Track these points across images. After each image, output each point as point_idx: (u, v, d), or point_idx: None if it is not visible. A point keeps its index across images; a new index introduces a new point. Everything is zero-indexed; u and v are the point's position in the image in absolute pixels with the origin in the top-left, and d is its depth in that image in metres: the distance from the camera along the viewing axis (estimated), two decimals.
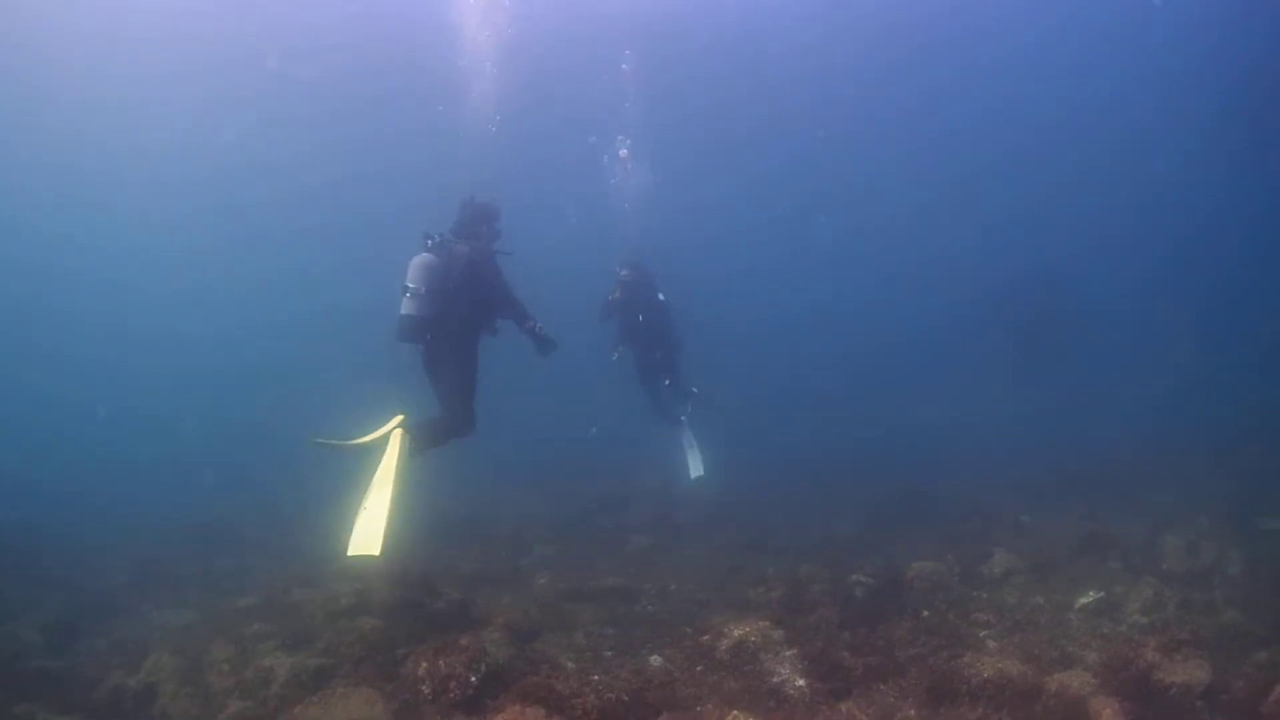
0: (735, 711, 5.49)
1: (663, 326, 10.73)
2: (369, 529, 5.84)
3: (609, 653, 6.67)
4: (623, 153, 18.26)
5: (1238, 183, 26.45)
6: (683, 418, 11.33)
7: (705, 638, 6.91)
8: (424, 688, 5.47)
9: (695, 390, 11.19)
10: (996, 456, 14.12)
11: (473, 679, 5.43)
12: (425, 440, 6.48)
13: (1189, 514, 9.21)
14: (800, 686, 5.79)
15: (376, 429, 6.27)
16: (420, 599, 6.82)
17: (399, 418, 6.33)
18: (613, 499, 13.04)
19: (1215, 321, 23.89)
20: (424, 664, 5.51)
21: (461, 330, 6.66)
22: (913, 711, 5.60)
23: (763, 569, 9.25)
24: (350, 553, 5.84)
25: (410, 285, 6.46)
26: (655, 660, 6.49)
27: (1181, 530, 8.50)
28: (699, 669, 6.37)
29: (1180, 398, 15.90)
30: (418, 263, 6.53)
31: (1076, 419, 15.82)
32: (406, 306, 6.49)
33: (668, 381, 11.07)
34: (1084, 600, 7.05)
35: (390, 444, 6.17)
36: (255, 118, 30.36)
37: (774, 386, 23.37)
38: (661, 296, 10.67)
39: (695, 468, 10.98)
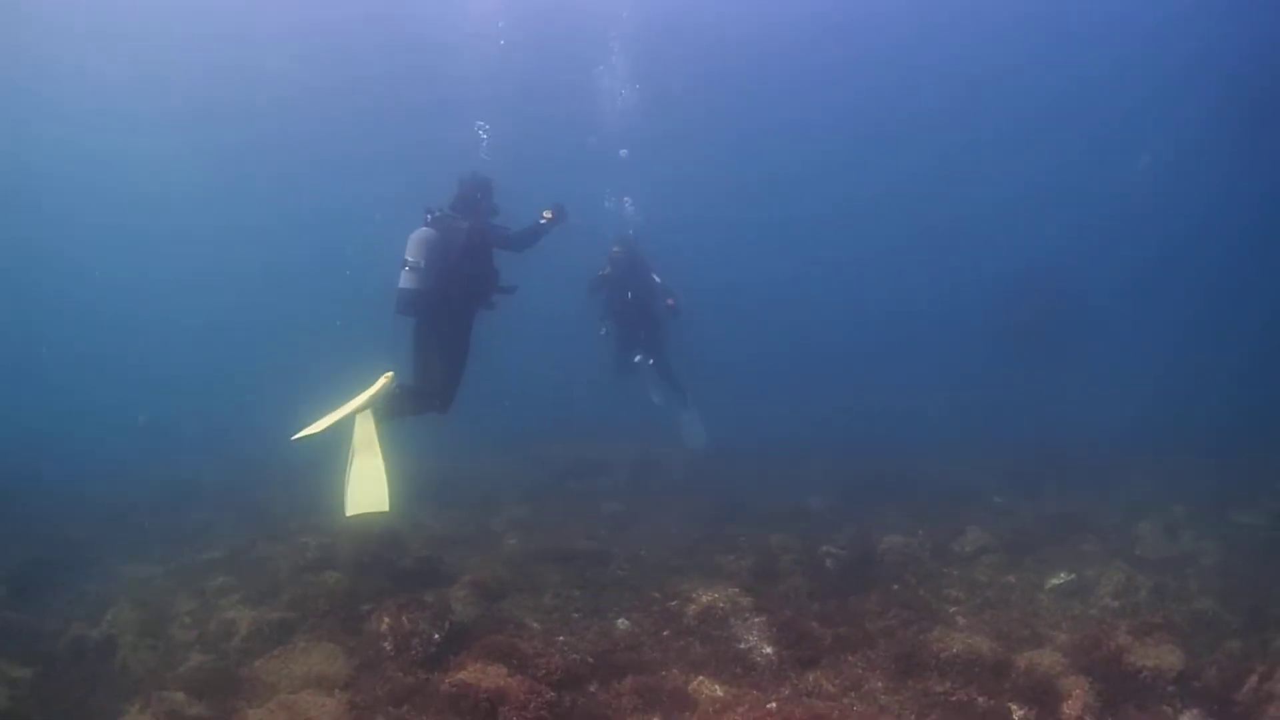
0: (701, 677, 5.41)
1: (650, 305, 10.74)
2: (370, 488, 5.86)
3: (576, 614, 6.57)
4: (623, 153, 18.22)
5: (1233, 178, 26.32)
6: (655, 399, 11.37)
7: (673, 603, 6.83)
8: (386, 644, 5.35)
9: (652, 361, 11.14)
10: (974, 438, 14.13)
11: (436, 636, 5.32)
12: (397, 408, 6.44)
13: (1164, 502, 9.21)
14: (768, 654, 5.72)
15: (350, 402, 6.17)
16: (388, 555, 6.68)
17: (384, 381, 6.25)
18: (588, 463, 12.94)
19: (1208, 315, 23.93)
20: (387, 620, 5.40)
21: (459, 306, 6.65)
22: (880, 683, 5.55)
23: (734, 537, 9.23)
24: (351, 513, 5.85)
25: (409, 259, 6.44)
26: (622, 623, 6.40)
27: (1156, 518, 8.50)
28: (666, 633, 6.29)
29: (1167, 388, 15.88)
30: (417, 237, 6.51)
31: (1059, 405, 15.80)
32: (405, 280, 6.46)
33: (651, 361, 11.05)
34: (1055, 581, 7.03)
35: (360, 420, 6.14)
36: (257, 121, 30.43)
37: (761, 360, 23.28)
38: (657, 279, 10.73)
39: (694, 438, 11.01)
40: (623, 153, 17.82)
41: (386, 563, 6.64)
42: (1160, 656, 5.42)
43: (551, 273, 9.64)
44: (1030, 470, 11.60)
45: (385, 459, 5.95)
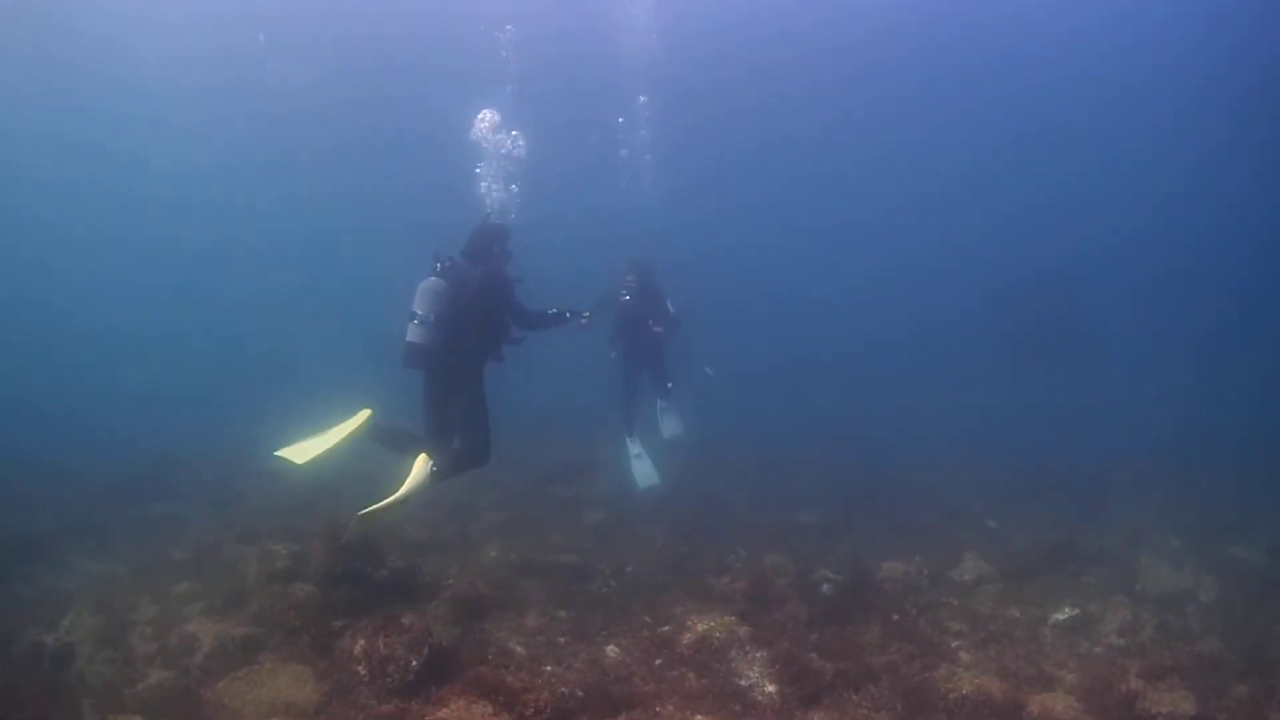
0: (699, 717, 5.10)
1: (662, 339, 10.51)
2: (309, 446, 5.87)
3: (562, 638, 6.22)
4: (623, 153, 17.87)
5: (1253, 188, 26.14)
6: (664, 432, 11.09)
7: (665, 628, 6.51)
8: (360, 668, 4.97)
9: (670, 385, 10.85)
10: (964, 455, 13.92)
11: (414, 663, 4.94)
12: (444, 474, 6.23)
13: (1161, 532, 9.05)
14: (769, 693, 5.41)
15: (345, 424, 6.11)
16: (362, 566, 6.27)
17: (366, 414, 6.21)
18: (568, 466, 12.55)
19: (1223, 331, 23.63)
20: (361, 642, 5.01)
21: (467, 360, 6.41)
22: None
23: (722, 553, 8.93)
24: (280, 452, 5.89)
25: (418, 312, 6.24)
26: (612, 650, 6.06)
27: (1152, 550, 8.33)
28: (658, 662, 5.96)
29: (1171, 410, 15.59)
30: (426, 288, 6.27)
31: (1058, 425, 15.52)
32: (413, 334, 6.26)
33: (669, 385, 10.86)
34: (1059, 616, 6.80)
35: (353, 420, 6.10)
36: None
37: (758, 368, 22.85)
38: (672, 308, 10.49)
39: (645, 477, 10.66)
40: (623, 153, 17.58)
41: (360, 574, 6.23)
42: (1174, 703, 5.23)
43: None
44: (1024, 494, 11.41)
45: (338, 443, 5.88)
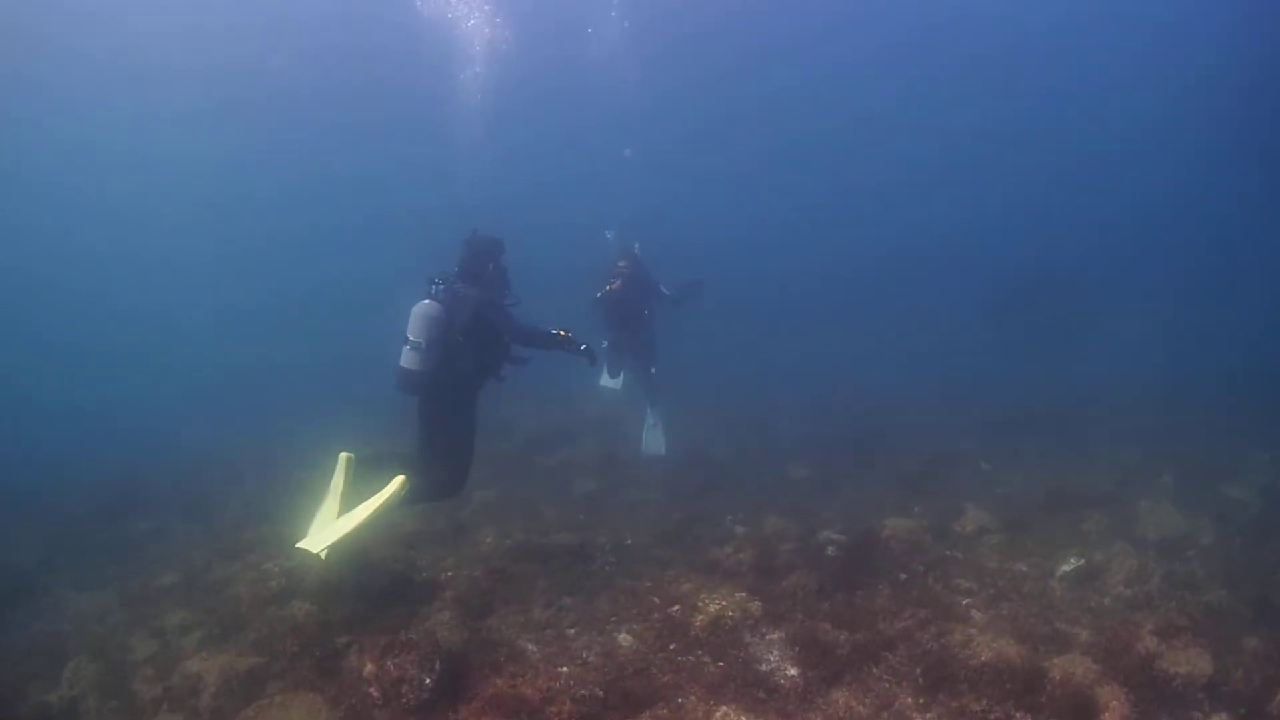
0: (725, 707, 4.99)
1: (651, 325, 10.58)
2: (326, 533, 5.47)
3: (572, 629, 6.07)
4: (626, 153, 17.43)
5: (1259, 181, 25.91)
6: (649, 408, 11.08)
7: (675, 609, 6.39)
8: (372, 690, 4.78)
9: (654, 370, 10.76)
10: (952, 393, 13.93)
11: (427, 680, 4.77)
12: (414, 498, 6.11)
13: (1153, 472, 9.10)
14: (792, 676, 5.33)
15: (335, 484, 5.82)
16: (356, 576, 6.02)
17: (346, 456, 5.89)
18: (555, 432, 12.33)
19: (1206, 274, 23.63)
20: (370, 664, 4.81)
21: (463, 385, 6.21)
22: (910, 698, 5.22)
23: (720, 518, 8.83)
24: (299, 545, 5.45)
25: (411, 338, 6.06)
26: (624, 639, 5.92)
27: (1147, 492, 8.36)
28: (673, 647, 5.85)
29: (1154, 350, 15.50)
30: (419, 312, 6.08)
31: (1043, 362, 15.45)
32: (407, 359, 6.10)
33: (653, 370, 10.80)
34: (1065, 568, 6.79)
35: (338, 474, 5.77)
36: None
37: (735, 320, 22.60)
38: (665, 290, 10.46)
39: (654, 445, 10.82)
40: (626, 153, 17.18)
41: (356, 585, 5.99)
42: (1191, 662, 5.24)
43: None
44: (1011, 430, 11.43)
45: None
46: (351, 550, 5.81)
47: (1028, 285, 16.98)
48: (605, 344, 10.42)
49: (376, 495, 5.64)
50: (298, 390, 17.01)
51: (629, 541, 8.04)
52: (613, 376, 10.85)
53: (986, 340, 16.64)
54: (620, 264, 10.11)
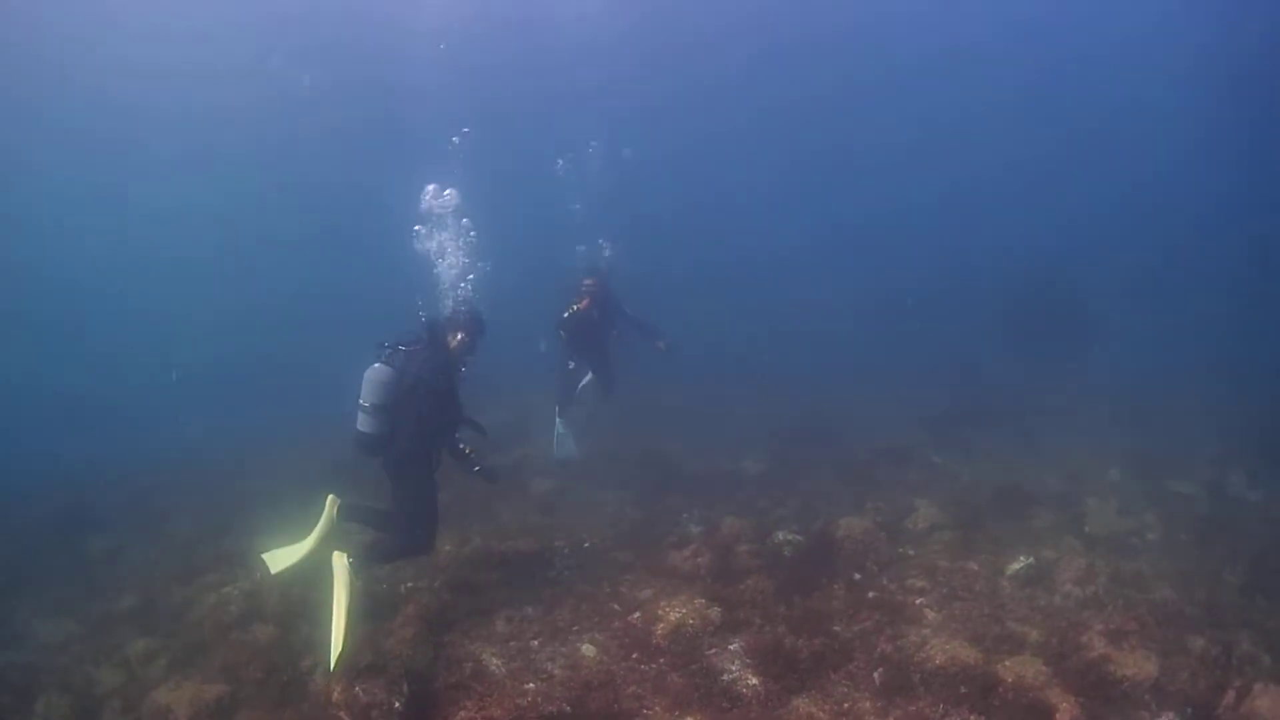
0: (689, 718, 5.05)
1: (608, 338, 10.32)
2: (289, 556, 5.80)
3: (535, 641, 6.05)
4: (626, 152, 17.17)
5: (1246, 176, 26.33)
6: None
7: (636, 616, 6.43)
8: (342, 715, 4.72)
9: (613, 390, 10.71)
10: (898, 384, 14.15)
11: (396, 704, 4.75)
12: (383, 557, 6.33)
13: (1099, 467, 9.38)
14: (754, 685, 5.39)
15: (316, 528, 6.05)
16: (315, 595, 5.91)
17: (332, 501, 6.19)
18: (508, 430, 12.19)
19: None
20: (338, 691, 4.73)
21: (412, 448, 6.18)
22: (868, 703, 5.33)
23: (676, 517, 8.87)
24: (264, 554, 5.82)
25: (362, 402, 6.16)
26: (588, 650, 5.93)
27: (1095, 488, 8.62)
28: (635, 656, 5.88)
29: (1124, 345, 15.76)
30: (369, 376, 6.18)
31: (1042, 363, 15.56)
32: (361, 422, 6.20)
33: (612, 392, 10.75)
34: (1015, 566, 6.97)
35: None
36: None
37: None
38: (629, 311, 10.27)
39: (564, 449, 10.76)
40: (626, 152, 16.86)
41: (316, 604, 5.88)
42: (1138, 665, 5.42)
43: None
44: (956, 423, 11.68)
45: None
46: (307, 569, 5.73)
47: (1031, 287, 16.99)
48: (571, 365, 10.28)
49: (339, 590, 5.56)
50: (287, 392, 16.69)
51: (587, 544, 8.04)
52: (565, 404, 10.69)
53: (988, 342, 16.67)
54: (586, 282, 9.90)
